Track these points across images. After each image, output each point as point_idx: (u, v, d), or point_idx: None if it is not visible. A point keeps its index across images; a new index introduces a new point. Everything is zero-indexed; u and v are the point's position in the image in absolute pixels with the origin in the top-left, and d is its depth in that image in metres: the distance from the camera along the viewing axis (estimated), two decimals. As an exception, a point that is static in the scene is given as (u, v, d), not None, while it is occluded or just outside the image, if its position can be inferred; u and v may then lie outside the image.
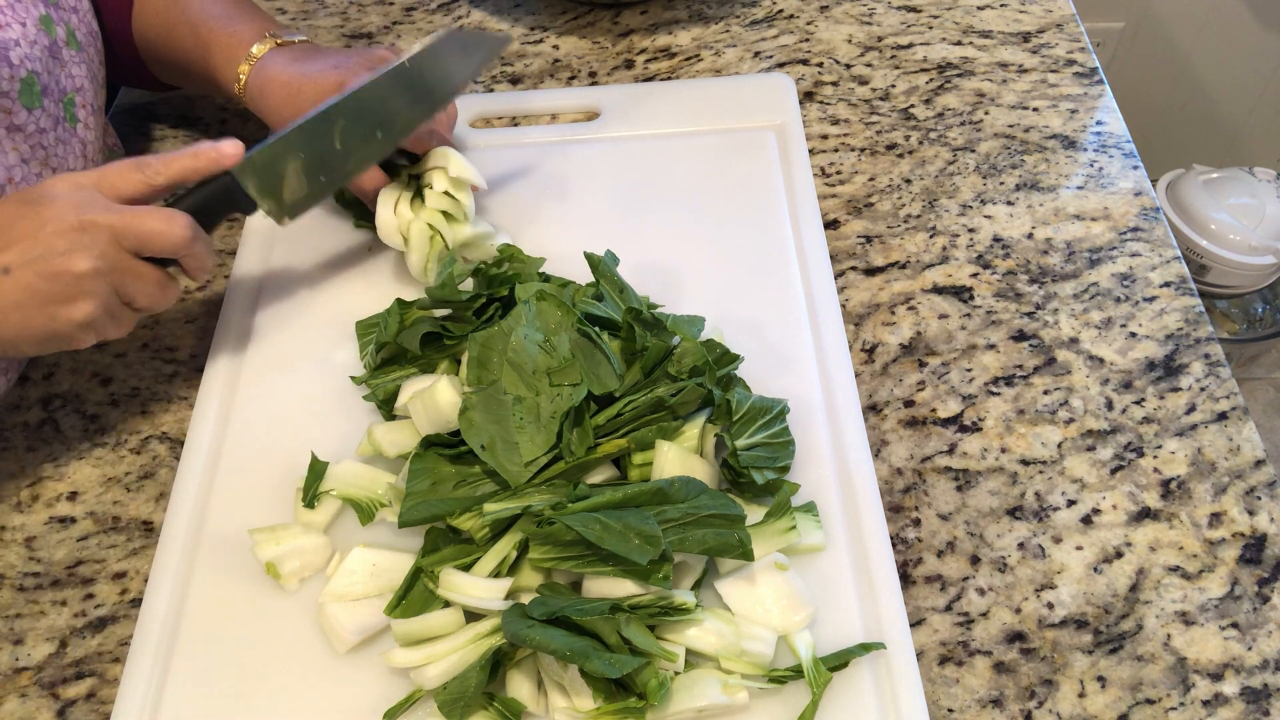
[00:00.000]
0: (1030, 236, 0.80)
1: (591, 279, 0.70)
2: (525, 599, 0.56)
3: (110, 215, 0.59)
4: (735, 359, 0.65)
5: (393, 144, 0.71)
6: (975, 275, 0.78)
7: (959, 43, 0.95)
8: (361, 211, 0.80)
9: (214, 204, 0.65)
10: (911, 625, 0.61)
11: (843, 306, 0.76)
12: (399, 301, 0.68)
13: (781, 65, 0.94)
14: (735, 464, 0.60)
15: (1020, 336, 0.74)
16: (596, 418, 0.60)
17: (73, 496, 0.69)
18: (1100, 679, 0.59)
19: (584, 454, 0.59)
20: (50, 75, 0.68)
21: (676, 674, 0.55)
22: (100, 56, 0.75)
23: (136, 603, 0.64)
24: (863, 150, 0.87)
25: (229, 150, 0.63)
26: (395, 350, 0.67)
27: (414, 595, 0.59)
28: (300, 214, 0.69)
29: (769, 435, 0.62)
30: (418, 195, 0.74)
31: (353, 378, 0.70)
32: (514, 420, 0.59)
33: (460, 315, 0.67)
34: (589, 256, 0.71)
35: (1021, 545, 0.64)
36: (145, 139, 0.92)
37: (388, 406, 0.67)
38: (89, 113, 0.73)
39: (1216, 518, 0.65)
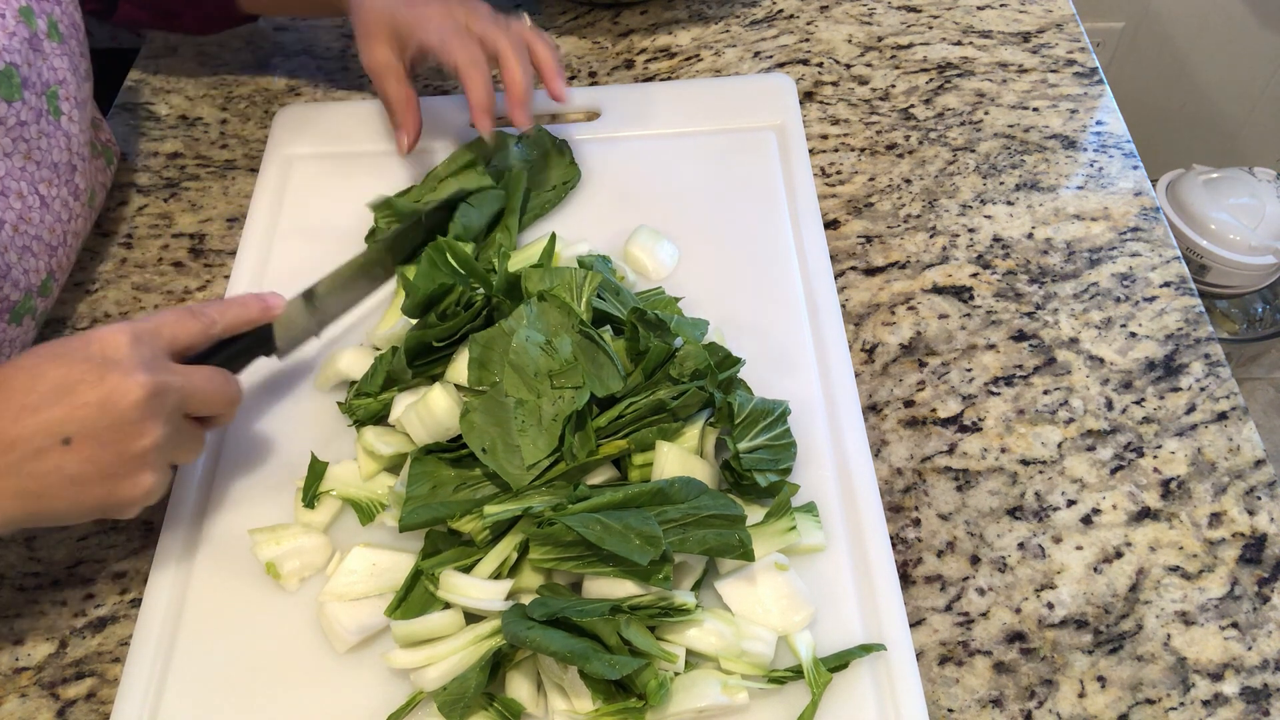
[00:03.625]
0: (1030, 236, 0.80)
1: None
2: (526, 600, 0.56)
3: (178, 379, 0.55)
4: (737, 362, 0.65)
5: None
6: (975, 275, 0.78)
7: (959, 43, 0.95)
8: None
9: (248, 352, 0.65)
10: (911, 625, 0.61)
11: (843, 306, 0.76)
12: (391, 350, 0.67)
13: (781, 65, 0.94)
14: (738, 466, 0.60)
15: (1020, 336, 0.74)
16: (597, 420, 0.60)
17: (73, 497, 0.69)
18: (1100, 679, 0.59)
19: (585, 457, 0.59)
20: (31, 68, 0.67)
21: (676, 675, 0.55)
22: (82, 48, 0.75)
23: (136, 603, 0.64)
24: (863, 150, 0.87)
25: (275, 304, 0.64)
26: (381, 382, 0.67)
27: (414, 597, 0.59)
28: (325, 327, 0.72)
29: (771, 438, 0.62)
30: None
31: (338, 403, 0.69)
32: (515, 423, 0.59)
33: (449, 314, 0.65)
34: (581, 261, 0.71)
35: (1021, 545, 0.64)
36: (144, 139, 0.92)
37: (373, 421, 0.66)
38: (73, 105, 0.72)
39: (1216, 518, 0.65)
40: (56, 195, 0.72)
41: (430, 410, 0.60)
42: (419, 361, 0.65)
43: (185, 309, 0.59)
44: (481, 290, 0.65)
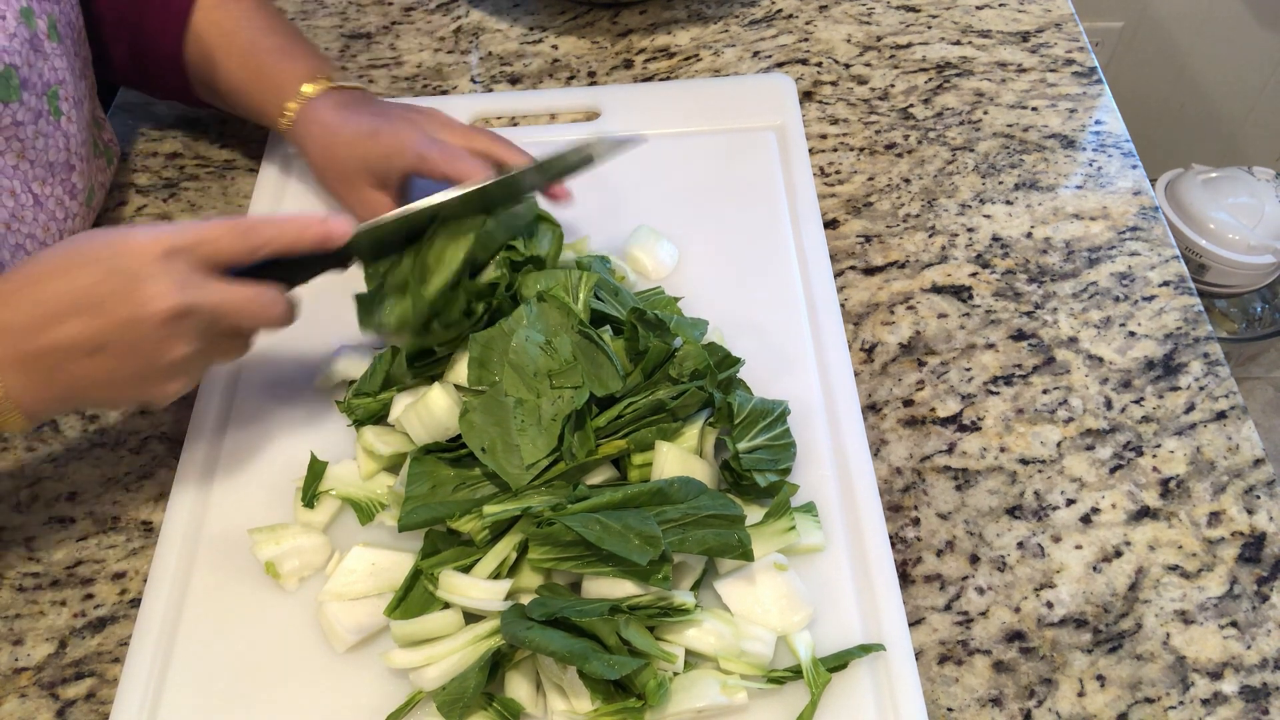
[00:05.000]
0: (1029, 236, 0.80)
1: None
2: (525, 600, 0.56)
3: (212, 297, 0.55)
4: (736, 362, 0.65)
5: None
6: (974, 275, 0.78)
7: (958, 42, 0.95)
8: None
9: (315, 265, 0.62)
10: (911, 624, 0.61)
11: (842, 306, 0.76)
12: (391, 350, 0.67)
13: (780, 65, 0.94)
14: (737, 467, 0.60)
15: (1019, 336, 0.74)
16: (597, 419, 0.60)
17: (72, 497, 0.69)
18: (1100, 678, 0.59)
19: (585, 457, 0.59)
20: (32, 68, 0.67)
21: (675, 675, 0.55)
22: (77, 48, 0.75)
23: (136, 603, 0.64)
24: (862, 150, 0.87)
25: (338, 231, 0.60)
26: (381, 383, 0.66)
27: (413, 596, 0.59)
28: None
29: (770, 438, 0.62)
30: None
31: (337, 402, 0.69)
32: (515, 423, 0.59)
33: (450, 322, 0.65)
34: (579, 262, 0.71)
35: (1021, 544, 0.64)
36: (144, 139, 0.92)
37: (372, 421, 0.66)
38: (71, 105, 0.72)
39: (1215, 517, 0.65)
40: (50, 194, 0.72)
41: (430, 410, 0.60)
42: (419, 363, 0.65)
43: (235, 224, 0.56)
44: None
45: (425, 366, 0.65)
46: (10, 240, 0.70)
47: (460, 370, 0.63)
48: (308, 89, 0.75)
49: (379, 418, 0.66)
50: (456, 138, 0.73)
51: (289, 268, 0.59)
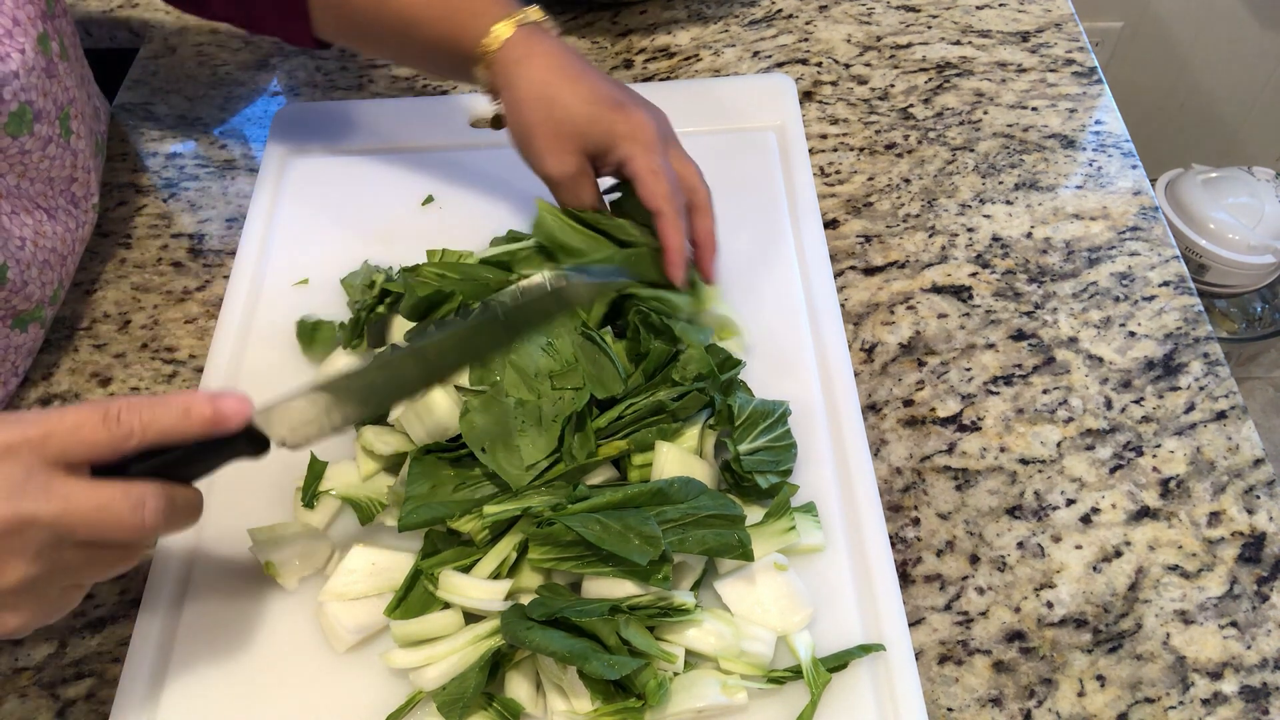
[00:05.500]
0: (1029, 236, 0.80)
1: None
2: (525, 600, 0.56)
3: (52, 506, 0.43)
4: (737, 364, 0.65)
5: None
6: (974, 275, 0.78)
7: (958, 42, 0.95)
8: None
9: (215, 451, 0.50)
10: (911, 624, 0.61)
11: (842, 306, 0.76)
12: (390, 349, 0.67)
13: (780, 65, 0.94)
14: (739, 469, 0.60)
15: (1019, 336, 0.74)
16: (597, 420, 0.60)
17: (72, 497, 0.69)
18: (1100, 678, 0.59)
19: (585, 458, 0.59)
20: (47, 97, 0.67)
21: (675, 675, 0.55)
22: (77, 52, 0.74)
23: (136, 603, 0.64)
24: (862, 150, 0.87)
25: (232, 413, 0.48)
26: None
27: (414, 596, 0.59)
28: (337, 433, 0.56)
29: (771, 439, 0.62)
30: None
31: None
32: (515, 423, 0.59)
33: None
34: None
35: (1021, 544, 0.64)
36: (144, 139, 0.92)
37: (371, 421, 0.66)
38: (80, 121, 0.72)
39: (1215, 517, 0.65)
40: (59, 207, 0.73)
41: (430, 410, 0.60)
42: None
43: (100, 411, 0.45)
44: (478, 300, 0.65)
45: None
46: (39, 257, 0.70)
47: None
48: (532, 13, 0.66)
49: (379, 418, 0.66)
50: (678, 164, 0.67)
51: (185, 459, 0.49)
